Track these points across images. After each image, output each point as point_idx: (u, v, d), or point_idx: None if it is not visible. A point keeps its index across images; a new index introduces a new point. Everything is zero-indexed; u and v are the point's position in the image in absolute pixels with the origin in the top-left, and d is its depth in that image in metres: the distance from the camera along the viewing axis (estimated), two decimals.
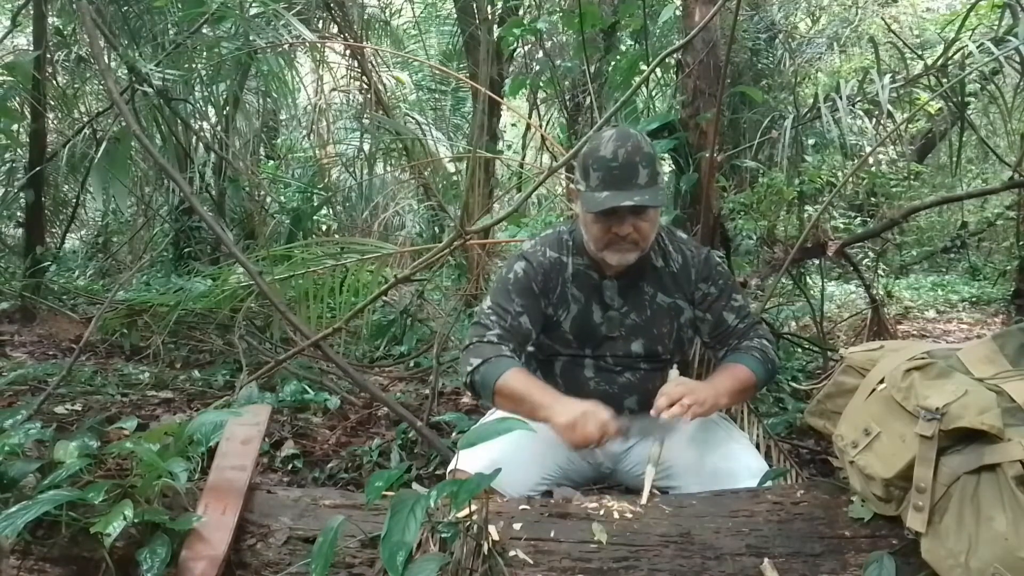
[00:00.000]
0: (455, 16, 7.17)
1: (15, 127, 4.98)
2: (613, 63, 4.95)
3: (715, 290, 1.82)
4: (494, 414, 1.93)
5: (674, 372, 1.75)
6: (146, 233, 6.91)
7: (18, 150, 5.54)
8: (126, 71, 4.72)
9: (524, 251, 1.89)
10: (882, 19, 7.14)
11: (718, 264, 1.85)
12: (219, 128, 6.18)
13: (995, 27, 3.97)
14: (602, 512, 1.45)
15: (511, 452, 1.67)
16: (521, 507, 1.50)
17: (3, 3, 7.05)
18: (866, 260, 4.78)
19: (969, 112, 4.26)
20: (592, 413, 1.54)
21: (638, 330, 1.80)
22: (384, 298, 4.21)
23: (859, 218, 4.33)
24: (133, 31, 5.24)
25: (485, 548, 1.30)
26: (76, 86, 5.87)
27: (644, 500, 1.50)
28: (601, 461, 1.89)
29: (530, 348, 1.86)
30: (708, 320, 1.82)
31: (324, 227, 7.16)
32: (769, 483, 1.64)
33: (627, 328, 1.80)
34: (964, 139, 4.00)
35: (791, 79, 5.79)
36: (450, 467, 1.77)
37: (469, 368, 1.70)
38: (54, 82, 5.45)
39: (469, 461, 1.67)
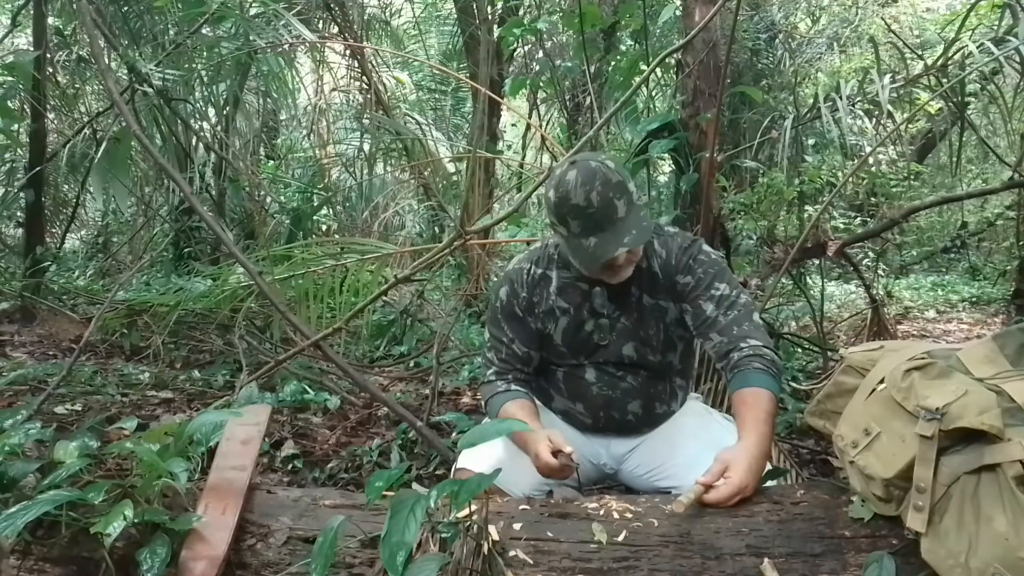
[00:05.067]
0: (455, 16, 7.17)
1: (15, 127, 4.98)
2: (613, 63, 4.95)
3: (692, 280, 1.74)
4: None
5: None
6: (146, 233, 6.90)
7: (18, 150, 5.54)
8: (126, 71, 4.72)
9: (509, 272, 1.90)
10: (882, 19, 7.14)
11: (700, 253, 1.76)
12: (219, 128, 6.18)
13: (995, 27, 3.97)
14: (602, 512, 1.45)
15: (514, 451, 1.67)
16: (521, 507, 1.50)
17: (3, 3, 7.05)
18: (866, 260, 4.79)
19: (969, 112, 4.26)
20: (541, 453, 1.56)
21: (628, 333, 1.78)
22: (384, 298, 4.21)
23: (859, 218, 4.34)
24: (133, 31, 5.24)
25: (485, 548, 1.30)
26: (76, 86, 5.88)
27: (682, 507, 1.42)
28: (605, 462, 1.88)
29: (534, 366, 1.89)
30: (689, 311, 1.75)
31: (324, 227, 7.16)
32: (769, 483, 1.64)
33: (617, 332, 1.79)
34: (964, 139, 4.01)
35: (791, 79, 5.79)
36: (455, 466, 1.77)
37: (484, 410, 1.89)
38: (54, 82, 5.45)
39: (473, 460, 1.67)
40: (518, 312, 1.83)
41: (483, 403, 1.88)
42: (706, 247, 1.81)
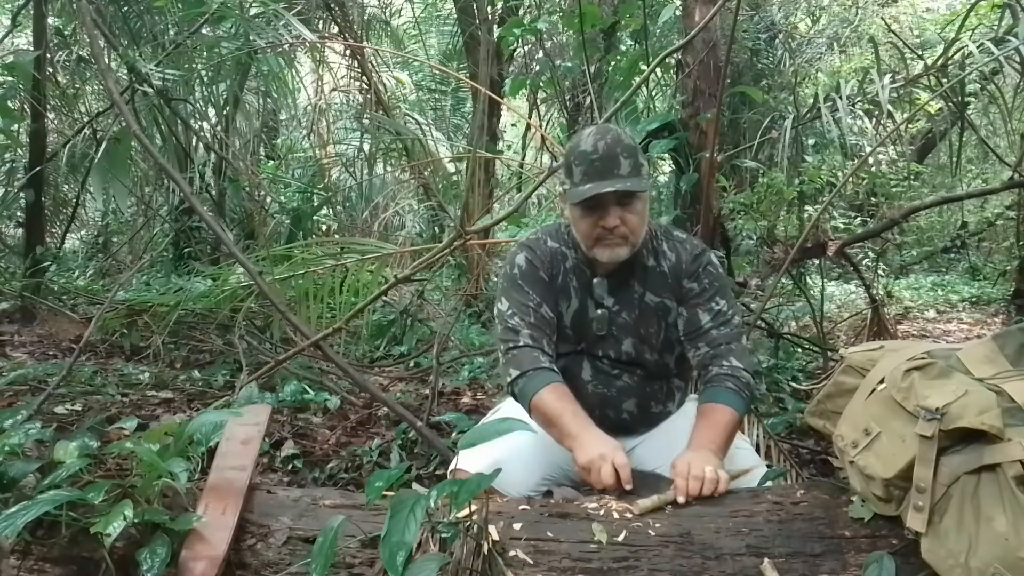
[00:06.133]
0: (455, 16, 7.17)
1: (15, 127, 4.98)
2: (613, 63, 4.95)
3: (696, 287, 1.77)
4: (496, 413, 1.93)
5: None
6: (146, 233, 6.91)
7: (18, 150, 5.54)
8: (126, 71, 4.72)
9: (524, 242, 1.87)
10: (882, 19, 7.14)
11: (709, 264, 1.80)
12: (219, 128, 6.18)
13: (995, 27, 3.98)
14: (602, 512, 1.45)
15: (513, 452, 1.66)
16: (521, 507, 1.50)
17: (3, 3, 7.05)
18: (866, 260, 4.79)
19: (969, 112, 4.26)
20: (608, 458, 1.51)
21: (628, 329, 1.79)
22: (384, 298, 4.21)
23: (859, 218, 4.34)
24: (133, 31, 5.25)
25: (485, 548, 1.30)
26: (76, 86, 5.88)
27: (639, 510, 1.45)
28: None
29: None
30: (684, 316, 1.78)
31: (324, 227, 7.16)
32: (769, 483, 1.64)
33: (617, 327, 1.79)
34: (964, 139, 4.01)
35: (791, 79, 5.79)
36: (451, 466, 1.77)
37: (509, 379, 1.71)
38: (54, 82, 5.45)
39: (471, 461, 1.67)
40: (543, 276, 1.79)
41: (514, 375, 1.69)
42: (715, 259, 1.83)
